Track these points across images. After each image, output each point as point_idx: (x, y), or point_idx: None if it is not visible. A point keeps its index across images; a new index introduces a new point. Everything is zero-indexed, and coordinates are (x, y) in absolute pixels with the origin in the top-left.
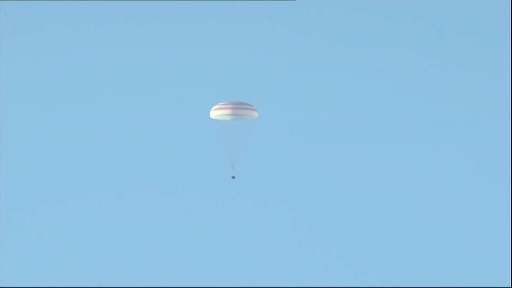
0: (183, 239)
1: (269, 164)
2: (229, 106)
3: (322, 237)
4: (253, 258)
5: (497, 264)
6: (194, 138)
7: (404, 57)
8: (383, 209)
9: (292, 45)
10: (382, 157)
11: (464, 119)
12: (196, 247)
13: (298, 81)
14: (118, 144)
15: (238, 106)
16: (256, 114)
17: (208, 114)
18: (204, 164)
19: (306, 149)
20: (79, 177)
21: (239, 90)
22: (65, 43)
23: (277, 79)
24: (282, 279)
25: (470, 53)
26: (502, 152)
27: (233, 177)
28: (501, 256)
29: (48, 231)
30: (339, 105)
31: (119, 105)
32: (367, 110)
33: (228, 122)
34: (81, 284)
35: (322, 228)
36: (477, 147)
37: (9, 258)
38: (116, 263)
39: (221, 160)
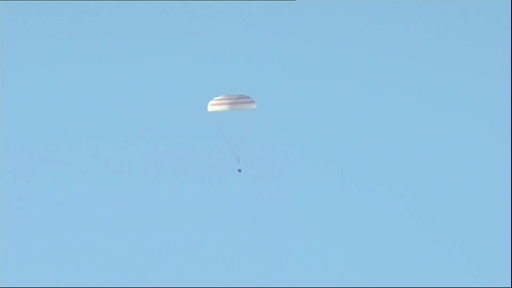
0: (187, 233)
1: (273, 156)
2: (225, 101)
3: (326, 233)
4: (257, 254)
5: (497, 264)
6: (197, 132)
7: (403, 57)
8: (384, 208)
9: (293, 40)
10: (386, 153)
11: (465, 116)
12: (201, 242)
13: (298, 73)
14: (120, 137)
15: (236, 101)
16: (254, 106)
17: (206, 108)
18: (209, 158)
19: (307, 142)
20: (79, 175)
21: (239, 82)
22: (63, 40)
23: (277, 71)
24: (287, 277)
25: (471, 51)
26: (503, 150)
27: (239, 171)
28: (501, 256)
29: (46, 230)
30: (340, 97)
31: (120, 99)
32: (368, 105)
33: (226, 115)
34: (80, 283)
35: (325, 224)
36: (476, 145)
37: (9, 258)
38: (116, 261)
39: (226, 154)
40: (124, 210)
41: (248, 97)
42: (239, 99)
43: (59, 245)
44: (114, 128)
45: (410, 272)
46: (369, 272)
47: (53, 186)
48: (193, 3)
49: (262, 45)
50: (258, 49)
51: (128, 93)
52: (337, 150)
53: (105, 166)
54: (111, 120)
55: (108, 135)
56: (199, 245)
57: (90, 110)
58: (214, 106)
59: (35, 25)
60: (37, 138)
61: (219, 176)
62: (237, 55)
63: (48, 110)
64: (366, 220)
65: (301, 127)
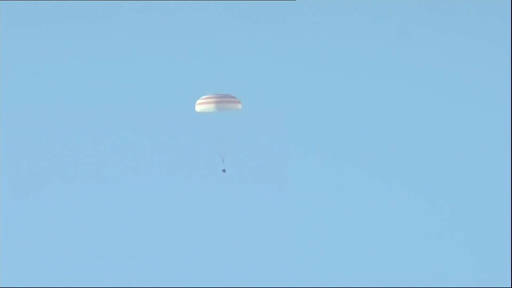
0: (171, 232)
1: (257, 156)
2: (212, 100)
3: (315, 233)
4: (246, 254)
5: (497, 264)
6: (182, 132)
7: (404, 58)
8: (379, 208)
9: (284, 41)
10: (378, 153)
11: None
12: (187, 244)
13: (286, 73)
14: (107, 136)
15: (222, 100)
16: (240, 106)
17: (194, 108)
18: (194, 158)
19: (294, 142)
20: (72, 176)
21: (226, 82)
22: (54, 41)
23: (263, 71)
24: (274, 276)
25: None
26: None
27: (224, 171)
28: (501, 256)
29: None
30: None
31: (108, 99)
32: (358, 105)
33: (213, 115)
34: (81, 283)
35: (313, 224)
36: (477, 144)
37: (9, 258)
38: (112, 262)
39: (210, 153)
40: (114, 209)
41: (234, 97)
42: (225, 98)
43: (59, 245)
44: (102, 127)
45: (410, 272)
46: (367, 272)
47: (50, 186)
48: (182, 3)
49: (251, 45)
50: (246, 49)
51: (116, 93)
52: (324, 150)
53: (94, 165)
54: (99, 119)
55: (95, 134)
56: (184, 244)
57: (78, 109)
58: (200, 105)
59: (35, 25)
60: (33, 137)
61: (204, 175)
62: (225, 54)
63: (40, 108)
64: (358, 220)
65: (287, 128)
